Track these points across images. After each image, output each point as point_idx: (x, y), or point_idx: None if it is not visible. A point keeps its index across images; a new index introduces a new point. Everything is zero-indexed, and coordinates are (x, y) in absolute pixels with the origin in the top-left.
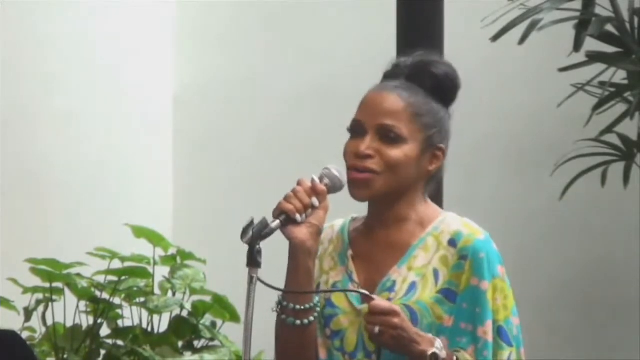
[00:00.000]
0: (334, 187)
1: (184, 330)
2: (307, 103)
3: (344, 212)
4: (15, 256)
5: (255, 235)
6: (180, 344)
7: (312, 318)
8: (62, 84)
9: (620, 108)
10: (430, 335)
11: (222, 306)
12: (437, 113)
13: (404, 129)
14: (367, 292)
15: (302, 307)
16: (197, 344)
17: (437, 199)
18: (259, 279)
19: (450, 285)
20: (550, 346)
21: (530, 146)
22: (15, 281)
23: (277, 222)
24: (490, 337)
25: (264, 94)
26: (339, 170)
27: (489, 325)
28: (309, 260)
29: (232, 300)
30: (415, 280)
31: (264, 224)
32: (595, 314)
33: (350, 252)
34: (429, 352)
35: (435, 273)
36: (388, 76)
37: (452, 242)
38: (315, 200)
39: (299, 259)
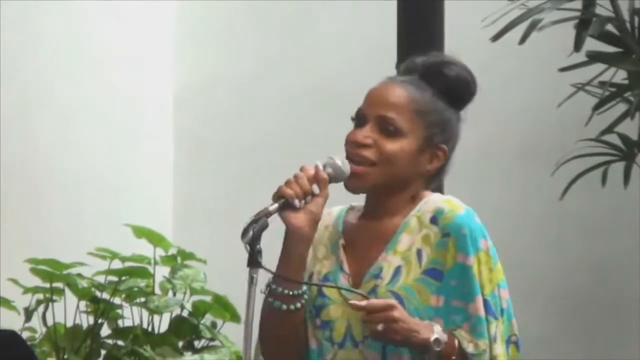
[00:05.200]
0: (336, 177)
1: (184, 330)
2: (307, 103)
3: (343, 200)
4: (15, 256)
5: (255, 234)
6: (180, 344)
7: (299, 305)
8: (62, 84)
9: (620, 108)
10: (426, 322)
11: (222, 306)
12: (442, 113)
13: (404, 123)
14: (363, 293)
15: (291, 293)
16: (198, 344)
17: None
18: (259, 264)
19: (436, 264)
20: (550, 345)
21: (530, 146)
22: (15, 281)
23: (276, 205)
24: (482, 313)
25: (263, 93)
26: (343, 160)
27: (479, 301)
28: (303, 247)
29: (232, 300)
30: (400, 265)
31: (264, 224)
32: (595, 314)
33: (342, 242)
34: (432, 339)
35: (419, 253)
36: (402, 72)
37: (434, 220)
38: (315, 188)
39: (293, 244)
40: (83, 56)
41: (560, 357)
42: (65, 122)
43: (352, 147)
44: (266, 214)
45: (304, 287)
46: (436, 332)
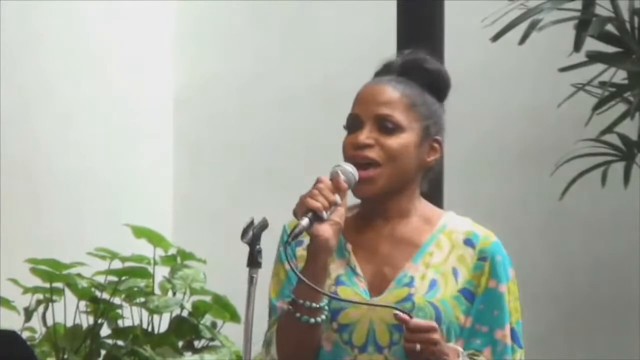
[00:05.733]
0: (349, 184)
1: (184, 330)
2: (307, 103)
3: None
4: (15, 256)
5: (255, 234)
6: (180, 344)
7: (323, 316)
8: (62, 84)
9: (620, 108)
10: (452, 345)
11: (222, 306)
12: (432, 105)
13: (401, 118)
14: (406, 313)
15: (318, 305)
16: (197, 344)
17: (438, 198)
18: (294, 271)
19: (470, 285)
20: (550, 346)
21: (530, 146)
22: (15, 281)
23: (307, 220)
24: (509, 341)
25: (263, 94)
26: (352, 166)
27: (508, 329)
28: (327, 259)
29: (232, 300)
30: (435, 278)
31: (264, 224)
32: (595, 314)
33: (349, 246)
34: None
35: (455, 272)
36: (379, 74)
37: (469, 242)
38: (337, 198)
39: (320, 256)
40: (83, 56)
41: (560, 357)
42: (65, 122)
43: (355, 149)
44: (301, 230)
45: (325, 299)
46: (461, 356)
